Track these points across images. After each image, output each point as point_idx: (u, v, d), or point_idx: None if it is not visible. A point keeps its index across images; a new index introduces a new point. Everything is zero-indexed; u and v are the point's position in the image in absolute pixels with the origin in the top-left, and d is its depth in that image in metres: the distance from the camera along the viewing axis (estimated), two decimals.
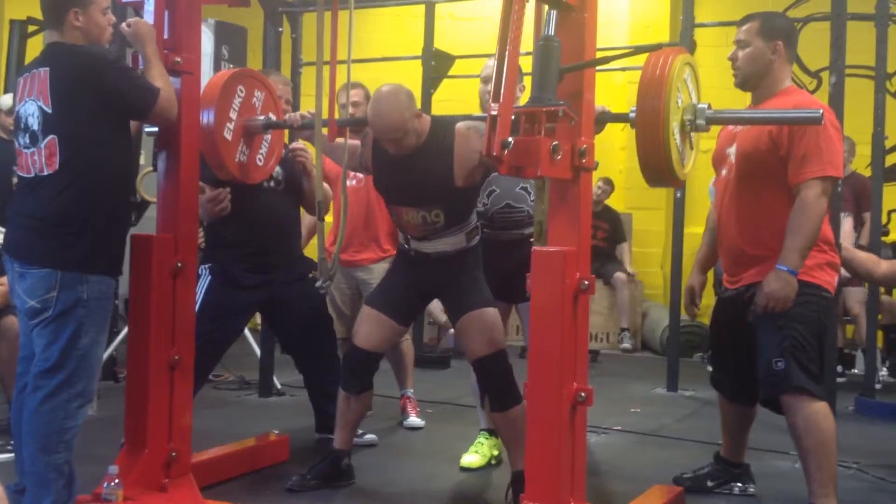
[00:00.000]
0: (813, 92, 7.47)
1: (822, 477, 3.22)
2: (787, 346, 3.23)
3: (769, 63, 3.36)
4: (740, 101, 3.50)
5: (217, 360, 4.25)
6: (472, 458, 4.07)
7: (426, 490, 3.81)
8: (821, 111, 2.93)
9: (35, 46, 6.18)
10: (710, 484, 3.74)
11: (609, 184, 7.75)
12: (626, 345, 7.54)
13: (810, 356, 3.25)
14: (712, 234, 3.67)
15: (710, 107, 2.90)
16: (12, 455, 3.25)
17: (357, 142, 3.66)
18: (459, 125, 3.45)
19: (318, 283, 3.89)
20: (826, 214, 3.26)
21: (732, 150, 3.42)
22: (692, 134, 2.95)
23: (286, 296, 4.19)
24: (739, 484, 3.73)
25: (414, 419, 4.76)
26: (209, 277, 4.06)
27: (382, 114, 3.34)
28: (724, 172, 3.49)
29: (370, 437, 4.39)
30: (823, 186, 3.18)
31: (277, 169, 4.08)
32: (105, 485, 3.04)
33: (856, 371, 6.34)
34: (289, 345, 4.44)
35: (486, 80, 3.78)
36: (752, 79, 3.40)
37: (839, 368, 5.91)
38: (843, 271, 3.51)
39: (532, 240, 2.97)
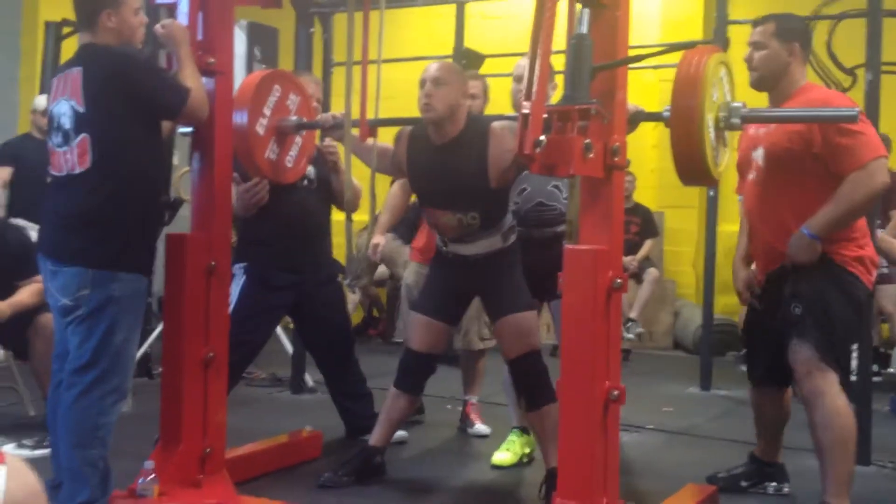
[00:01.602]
0: (848, 89, 7.39)
1: (838, 475, 3.19)
2: (812, 302, 3.22)
3: (786, 65, 3.36)
4: None
5: (251, 360, 4.30)
6: (504, 455, 4.07)
7: (458, 487, 3.82)
8: (856, 110, 2.93)
9: (70, 48, 6.23)
10: (743, 483, 3.72)
11: (631, 174, 7.62)
12: (630, 335, 7.22)
13: (833, 325, 3.22)
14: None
15: (744, 105, 2.89)
16: (49, 451, 3.29)
17: (387, 144, 3.67)
18: (494, 125, 3.46)
19: (347, 282, 3.92)
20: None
21: (759, 154, 3.41)
22: (726, 132, 2.94)
23: (314, 297, 4.24)
24: (774, 483, 3.70)
25: (480, 426, 4.65)
26: (244, 278, 4.10)
27: (434, 64, 3.48)
28: (750, 176, 3.48)
29: (401, 434, 4.39)
30: (876, 165, 3.16)
31: (311, 168, 4.12)
32: (140, 480, 3.07)
33: (892, 370, 6.27)
34: (312, 345, 4.50)
35: (518, 79, 3.79)
36: (769, 80, 3.39)
37: (874, 367, 5.84)
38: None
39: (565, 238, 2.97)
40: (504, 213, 3.60)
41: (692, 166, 2.78)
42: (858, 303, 3.33)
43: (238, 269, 4.11)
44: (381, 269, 7.19)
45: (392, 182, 4.56)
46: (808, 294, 3.25)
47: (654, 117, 2.99)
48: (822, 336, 3.21)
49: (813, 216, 3.21)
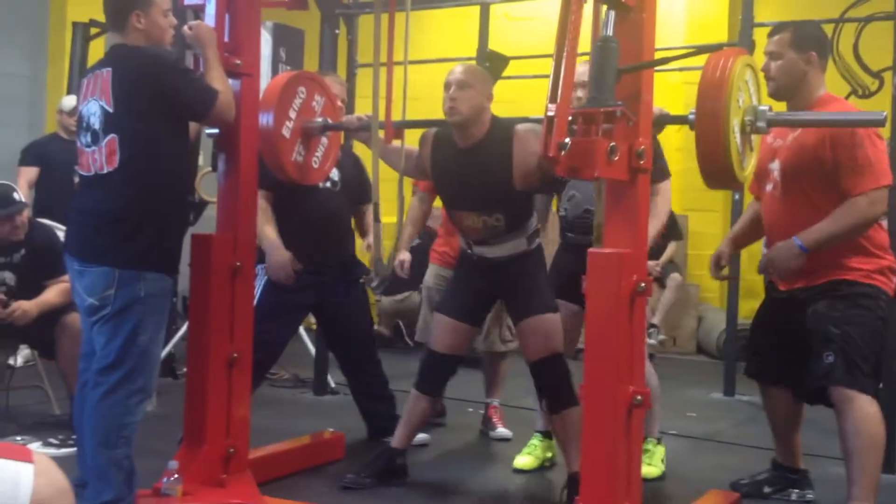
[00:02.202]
0: (875, 92, 7.33)
1: (865, 481, 3.17)
2: (839, 342, 3.20)
3: (803, 74, 3.33)
4: None
5: (274, 360, 4.32)
6: (525, 459, 4.06)
7: (479, 490, 3.81)
8: (884, 113, 2.90)
9: (97, 48, 6.30)
10: (767, 490, 3.70)
11: None
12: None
13: (863, 354, 3.20)
14: (754, 213, 3.67)
15: (770, 109, 2.87)
16: (75, 449, 3.31)
17: (413, 147, 3.68)
18: (518, 127, 3.46)
19: (372, 285, 3.93)
20: (877, 221, 3.27)
21: (776, 166, 3.39)
22: (752, 136, 2.92)
23: (337, 298, 4.25)
24: (797, 490, 3.68)
25: (502, 430, 4.64)
26: (266, 277, 4.11)
27: (459, 67, 3.47)
28: (769, 188, 3.46)
29: (423, 436, 4.39)
30: (878, 195, 3.17)
31: (334, 170, 4.13)
32: (165, 479, 3.09)
33: None
34: (335, 346, 4.51)
35: (580, 86, 3.82)
36: (786, 90, 3.36)
37: None
38: None
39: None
40: (529, 215, 3.60)
41: (718, 170, 2.76)
42: (883, 318, 3.31)
43: (260, 269, 4.13)
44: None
45: (412, 189, 4.56)
46: (837, 338, 3.22)
47: (679, 120, 2.97)
48: (853, 370, 3.19)
49: (807, 229, 3.21)
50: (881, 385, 4.08)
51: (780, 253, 3.25)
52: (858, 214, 3.17)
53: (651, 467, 3.91)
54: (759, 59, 3.19)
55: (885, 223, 3.60)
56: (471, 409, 5.06)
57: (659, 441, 4.06)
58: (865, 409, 3.18)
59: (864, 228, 3.23)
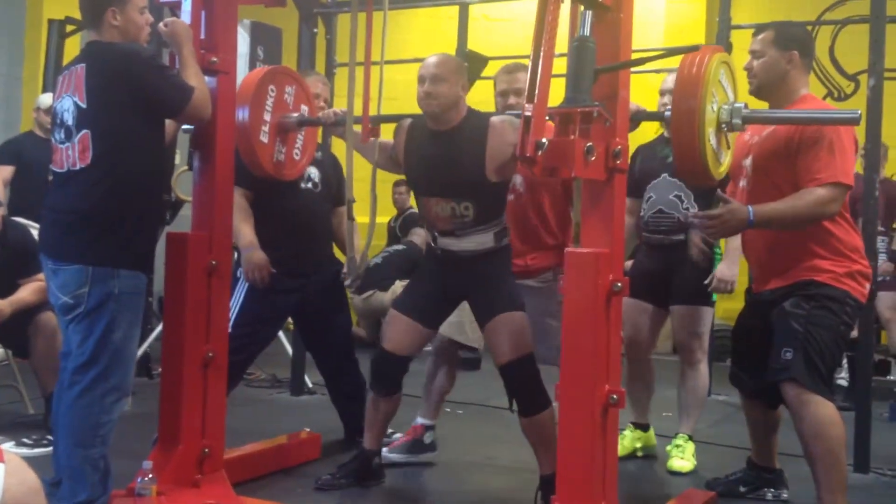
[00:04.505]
0: (850, 95, 7.39)
1: (831, 484, 3.17)
2: (799, 340, 3.19)
3: (784, 73, 3.32)
4: None
5: (251, 362, 4.30)
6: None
7: (456, 490, 3.81)
8: (859, 111, 2.91)
9: (73, 46, 6.25)
10: (742, 489, 3.72)
11: None
12: None
13: (823, 358, 3.19)
14: None
15: (746, 106, 2.88)
16: (49, 449, 3.28)
17: (388, 140, 3.66)
18: (494, 119, 3.43)
19: (346, 283, 3.90)
20: (832, 219, 3.22)
21: (748, 163, 3.37)
22: (727, 132, 2.93)
23: (318, 299, 4.23)
24: (772, 489, 3.70)
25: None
26: (248, 283, 4.08)
27: (433, 59, 3.48)
28: (742, 184, 3.44)
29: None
30: (836, 193, 3.13)
31: (314, 170, 4.11)
32: (139, 479, 3.06)
33: (891, 377, 6.26)
34: (313, 346, 4.49)
35: (662, 93, 3.99)
36: (767, 88, 3.35)
37: None
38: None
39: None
40: (500, 210, 3.53)
41: (693, 166, 2.78)
42: (847, 324, 3.30)
43: (242, 273, 4.09)
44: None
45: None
46: (799, 335, 3.21)
47: (655, 117, 2.99)
48: (812, 371, 3.18)
49: (763, 204, 3.16)
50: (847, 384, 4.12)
51: (734, 214, 3.13)
52: (813, 203, 3.12)
53: (684, 461, 4.08)
54: (737, 60, 3.20)
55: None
56: (460, 412, 5.04)
57: (690, 437, 4.19)
58: (822, 411, 3.15)
59: (811, 221, 3.17)
